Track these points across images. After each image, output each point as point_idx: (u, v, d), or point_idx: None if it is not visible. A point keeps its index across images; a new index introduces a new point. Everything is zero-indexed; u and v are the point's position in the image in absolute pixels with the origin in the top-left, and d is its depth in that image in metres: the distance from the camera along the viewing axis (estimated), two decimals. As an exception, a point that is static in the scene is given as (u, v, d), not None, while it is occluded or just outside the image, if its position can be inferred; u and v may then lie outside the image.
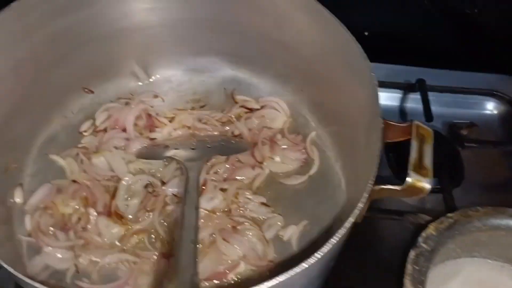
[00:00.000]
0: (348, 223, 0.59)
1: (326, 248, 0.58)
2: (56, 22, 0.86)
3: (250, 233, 0.87)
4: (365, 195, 0.60)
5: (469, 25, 1.32)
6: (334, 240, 0.59)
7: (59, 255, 0.83)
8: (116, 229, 0.86)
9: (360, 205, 0.59)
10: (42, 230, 0.85)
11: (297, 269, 0.56)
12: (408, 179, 0.65)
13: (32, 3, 0.80)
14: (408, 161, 0.66)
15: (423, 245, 0.73)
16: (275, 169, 0.96)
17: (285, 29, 0.91)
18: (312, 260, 0.56)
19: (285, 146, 0.98)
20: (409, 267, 0.71)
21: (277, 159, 0.97)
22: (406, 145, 0.69)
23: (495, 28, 1.31)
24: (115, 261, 0.83)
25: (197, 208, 0.80)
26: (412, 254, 0.72)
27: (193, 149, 0.96)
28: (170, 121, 1.02)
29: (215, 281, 0.82)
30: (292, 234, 0.88)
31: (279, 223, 0.90)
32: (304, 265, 0.56)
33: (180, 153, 0.95)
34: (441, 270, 0.82)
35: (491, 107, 1.24)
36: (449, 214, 0.78)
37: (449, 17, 1.33)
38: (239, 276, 0.83)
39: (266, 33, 0.95)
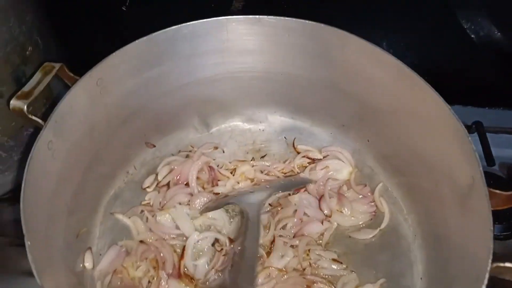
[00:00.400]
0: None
1: None
2: (128, 82, 0.86)
3: (323, 291, 0.85)
4: (486, 275, 0.57)
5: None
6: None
7: (133, 322, 0.81)
8: (187, 292, 0.84)
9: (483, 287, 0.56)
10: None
11: None
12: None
13: (111, 64, 0.80)
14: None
15: None
16: (344, 223, 0.94)
17: (356, 78, 0.89)
18: None
19: (352, 199, 0.96)
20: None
21: (346, 212, 0.94)
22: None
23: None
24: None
25: (257, 241, 0.81)
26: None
27: (251, 192, 0.95)
28: (232, 173, 1.01)
29: None
30: (370, 293, 0.85)
31: (354, 280, 0.87)
32: None
33: (240, 198, 0.94)
34: None
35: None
36: None
37: (498, 54, 1.31)
38: None
39: (332, 82, 0.94)
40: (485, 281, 0.56)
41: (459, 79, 1.30)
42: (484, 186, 0.63)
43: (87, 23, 1.18)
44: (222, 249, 0.90)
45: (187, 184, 0.98)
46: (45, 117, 0.76)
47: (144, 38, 0.84)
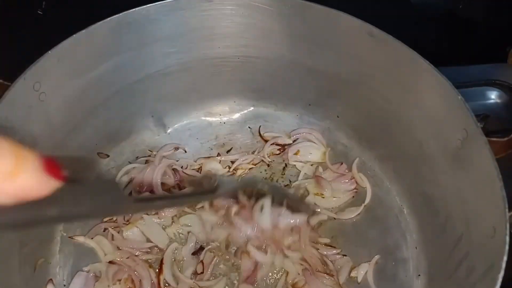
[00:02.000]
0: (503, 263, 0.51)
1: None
2: (69, 85, 0.75)
3: (324, 281, 0.79)
4: (507, 225, 0.53)
5: (455, 21, 1.34)
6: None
7: None
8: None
9: (507, 238, 0.52)
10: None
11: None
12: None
13: (47, 64, 0.69)
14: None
15: None
16: (327, 205, 0.89)
17: (320, 51, 0.84)
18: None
19: (331, 179, 0.91)
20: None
21: (326, 193, 0.89)
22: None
23: (481, 19, 1.33)
24: None
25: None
26: None
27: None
28: (199, 171, 0.93)
29: None
30: (367, 273, 0.80)
31: (347, 263, 0.82)
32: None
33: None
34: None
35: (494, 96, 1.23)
36: None
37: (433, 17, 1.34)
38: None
39: (293, 60, 0.88)
40: (507, 231, 0.52)
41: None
42: (482, 135, 0.60)
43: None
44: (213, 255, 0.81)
45: (152, 192, 0.89)
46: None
47: (83, 31, 0.73)
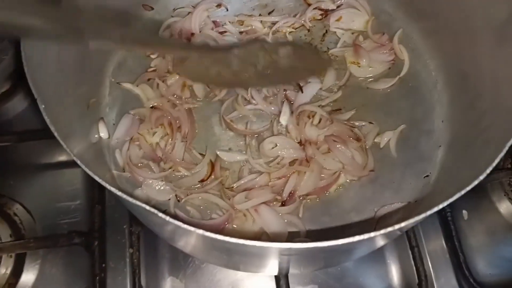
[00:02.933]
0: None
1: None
2: None
3: (350, 145, 0.84)
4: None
5: None
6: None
7: (158, 187, 0.81)
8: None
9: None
10: (134, 164, 0.82)
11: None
12: None
13: None
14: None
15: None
16: (361, 74, 0.90)
17: None
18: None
19: (370, 49, 0.91)
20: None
21: (363, 63, 0.90)
22: None
23: None
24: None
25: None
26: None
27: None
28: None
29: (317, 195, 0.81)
30: (390, 140, 0.85)
31: (374, 129, 0.85)
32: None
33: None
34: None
35: None
36: None
37: None
38: (341, 188, 0.82)
39: None
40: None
41: None
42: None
43: None
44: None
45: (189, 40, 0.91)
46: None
47: None
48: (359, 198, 0.81)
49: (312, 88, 0.88)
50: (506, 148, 0.50)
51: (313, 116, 0.85)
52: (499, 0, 0.65)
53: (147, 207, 0.50)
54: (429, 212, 0.48)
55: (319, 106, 0.86)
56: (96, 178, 0.53)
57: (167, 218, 0.50)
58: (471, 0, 0.72)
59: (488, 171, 0.49)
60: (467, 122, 0.75)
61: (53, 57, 0.68)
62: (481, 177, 0.49)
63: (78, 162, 0.54)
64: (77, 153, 0.57)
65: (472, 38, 0.74)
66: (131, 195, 0.53)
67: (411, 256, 0.82)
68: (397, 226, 0.47)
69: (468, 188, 0.48)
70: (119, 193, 0.52)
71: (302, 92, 0.86)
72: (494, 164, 0.49)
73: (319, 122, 0.84)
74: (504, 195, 0.90)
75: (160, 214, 0.51)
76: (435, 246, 0.86)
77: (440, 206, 0.48)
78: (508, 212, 0.90)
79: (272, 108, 0.87)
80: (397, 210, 0.79)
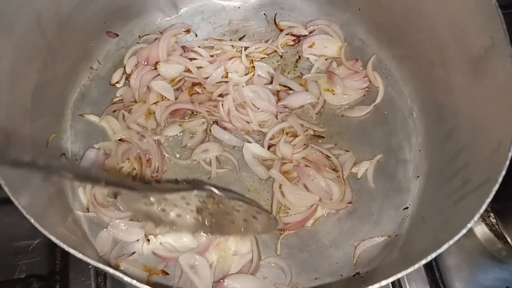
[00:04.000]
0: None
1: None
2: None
3: (326, 175, 0.81)
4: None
5: None
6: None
7: (126, 227, 0.76)
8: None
9: (510, 154, 0.51)
10: (100, 203, 0.77)
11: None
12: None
13: None
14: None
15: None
16: (336, 102, 0.88)
17: None
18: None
19: (344, 75, 0.89)
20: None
21: (337, 90, 0.88)
22: None
23: None
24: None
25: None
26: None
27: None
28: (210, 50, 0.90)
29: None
30: (367, 170, 0.83)
31: (351, 158, 0.83)
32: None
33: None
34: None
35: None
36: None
37: None
38: (318, 222, 0.79)
39: None
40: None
41: None
42: (508, 45, 0.56)
43: None
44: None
45: (155, 67, 0.87)
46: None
47: None
48: (337, 232, 0.79)
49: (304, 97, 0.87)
50: (492, 194, 0.49)
51: (287, 134, 0.84)
52: (473, 35, 0.64)
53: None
54: (416, 265, 0.45)
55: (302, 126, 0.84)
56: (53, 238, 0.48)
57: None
58: (444, 33, 0.71)
59: (475, 218, 0.47)
60: (445, 155, 0.73)
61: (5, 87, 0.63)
62: (469, 225, 0.46)
63: (32, 220, 0.48)
64: (25, 204, 0.52)
65: (447, 68, 0.73)
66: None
67: (390, 285, 0.80)
68: (384, 283, 0.44)
69: (457, 238, 0.46)
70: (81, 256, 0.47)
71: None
72: (481, 211, 0.47)
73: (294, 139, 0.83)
74: (482, 221, 0.90)
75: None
76: (414, 275, 0.84)
77: (429, 258, 0.45)
78: (485, 237, 0.90)
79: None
80: (377, 244, 0.77)
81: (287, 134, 0.84)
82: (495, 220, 0.86)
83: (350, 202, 0.80)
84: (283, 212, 0.79)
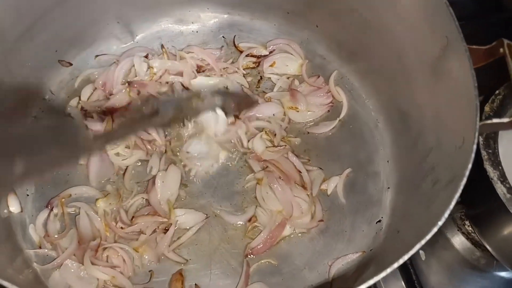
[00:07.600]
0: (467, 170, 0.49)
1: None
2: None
3: (295, 193, 0.78)
4: (476, 134, 0.50)
5: None
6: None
7: (79, 273, 0.70)
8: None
9: (474, 146, 0.50)
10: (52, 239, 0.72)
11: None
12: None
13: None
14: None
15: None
16: (301, 119, 0.86)
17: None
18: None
19: (306, 92, 0.88)
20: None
21: (301, 107, 0.86)
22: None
23: None
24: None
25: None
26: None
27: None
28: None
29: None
30: (337, 185, 0.80)
31: (319, 175, 0.81)
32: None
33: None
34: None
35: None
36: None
37: None
38: (289, 241, 0.76)
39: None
40: (475, 140, 0.50)
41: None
42: (462, 41, 0.56)
43: None
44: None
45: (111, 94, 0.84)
46: None
47: None
48: (310, 252, 0.75)
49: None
50: (461, 188, 0.47)
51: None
52: (429, 38, 0.64)
53: None
54: (389, 269, 0.42)
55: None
56: None
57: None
58: (402, 40, 0.71)
59: (446, 215, 0.44)
60: (413, 161, 0.72)
61: None
62: (440, 223, 0.44)
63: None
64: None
65: (408, 76, 0.72)
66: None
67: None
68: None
69: (428, 237, 0.43)
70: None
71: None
72: (451, 207, 0.45)
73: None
74: (458, 230, 0.88)
75: None
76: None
77: (401, 261, 0.43)
78: (463, 247, 0.88)
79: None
80: (352, 261, 0.74)
81: (265, 133, 0.83)
82: (471, 228, 0.84)
83: (321, 220, 0.77)
84: (249, 238, 0.76)
